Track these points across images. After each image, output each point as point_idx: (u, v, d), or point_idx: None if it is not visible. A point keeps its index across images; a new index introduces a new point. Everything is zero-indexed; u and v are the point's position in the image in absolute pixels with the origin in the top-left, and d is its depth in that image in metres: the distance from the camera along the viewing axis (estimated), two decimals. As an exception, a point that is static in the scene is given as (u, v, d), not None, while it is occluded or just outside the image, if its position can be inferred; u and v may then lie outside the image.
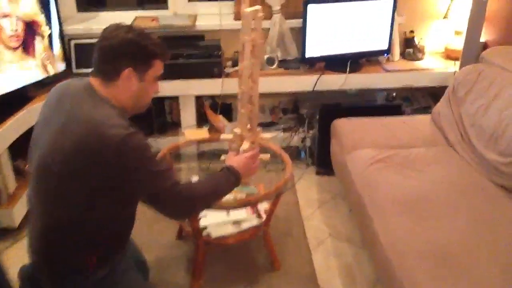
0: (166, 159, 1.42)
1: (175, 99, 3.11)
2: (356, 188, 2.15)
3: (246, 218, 2.18)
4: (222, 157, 1.99)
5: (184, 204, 1.47)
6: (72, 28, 2.97)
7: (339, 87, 2.99)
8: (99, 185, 1.33)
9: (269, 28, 3.06)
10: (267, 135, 1.98)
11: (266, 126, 3.16)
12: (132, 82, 1.41)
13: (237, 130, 1.89)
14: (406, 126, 2.60)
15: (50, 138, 1.37)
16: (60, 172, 1.33)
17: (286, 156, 2.20)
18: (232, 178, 1.60)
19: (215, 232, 2.10)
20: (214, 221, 2.14)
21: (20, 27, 2.42)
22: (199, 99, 3.15)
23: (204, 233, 2.10)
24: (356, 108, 2.85)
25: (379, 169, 2.17)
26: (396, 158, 2.26)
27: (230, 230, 2.13)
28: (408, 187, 2.02)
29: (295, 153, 3.16)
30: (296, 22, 3.01)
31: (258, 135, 1.93)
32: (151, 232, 2.44)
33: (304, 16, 2.86)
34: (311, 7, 2.83)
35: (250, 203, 2.06)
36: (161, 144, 2.58)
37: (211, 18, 3.08)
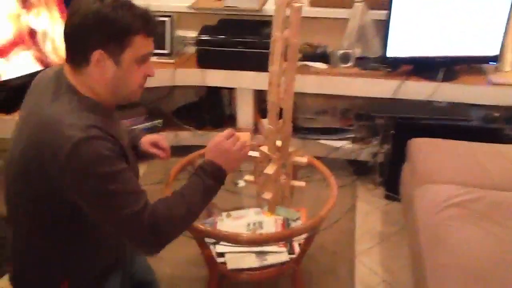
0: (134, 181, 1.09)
1: (234, 90, 2.77)
2: (418, 239, 1.66)
3: (273, 250, 1.79)
4: (246, 177, 1.61)
5: (150, 238, 1.11)
6: (130, 4, 2.73)
7: (425, 98, 2.43)
8: (45, 194, 1.10)
9: (348, 19, 2.57)
10: (301, 159, 1.55)
11: (331, 133, 2.70)
12: (106, 67, 1.11)
13: (264, 149, 1.49)
14: (505, 159, 2.00)
15: (14, 135, 1.17)
16: (13, 174, 1.15)
17: (333, 182, 1.75)
18: (210, 182, 1.22)
19: (232, 263, 1.75)
20: (233, 249, 1.78)
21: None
22: (261, 93, 2.77)
23: (220, 259, 1.75)
24: (442, 127, 2.30)
25: (454, 218, 1.65)
26: (481, 203, 1.71)
27: (252, 262, 1.76)
28: (487, 251, 1.49)
29: (363, 169, 2.67)
30: (382, 14, 2.49)
31: (289, 157, 1.52)
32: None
33: (389, 7, 2.34)
34: (399, -3, 2.30)
35: (270, 239, 1.66)
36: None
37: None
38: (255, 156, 1.53)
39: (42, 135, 1.07)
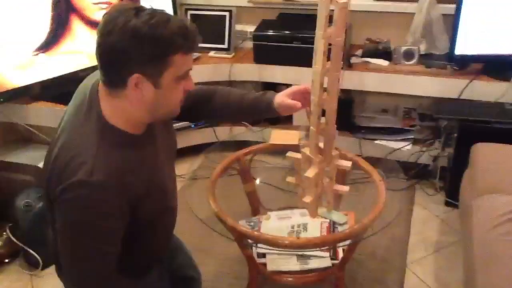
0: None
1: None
2: (472, 253, 1.54)
3: (315, 254, 1.74)
4: (288, 179, 1.57)
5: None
6: (192, -3, 2.76)
7: (495, 99, 2.25)
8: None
9: (413, 14, 2.43)
10: (345, 163, 1.48)
11: (391, 133, 2.58)
12: (145, 90, 1.05)
13: (306, 151, 1.44)
14: None
15: (52, 139, 1.18)
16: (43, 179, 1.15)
17: (381, 188, 1.66)
18: None
19: (273, 265, 1.72)
20: (274, 250, 1.74)
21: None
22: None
23: (261, 260, 1.73)
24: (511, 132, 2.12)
25: (510, 234, 1.51)
26: (548, 219, 1.56)
27: (293, 265, 1.72)
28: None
29: (423, 172, 2.53)
30: (450, 8, 2.32)
31: (332, 160, 1.46)
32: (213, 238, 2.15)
33: (458, 2, 2.18)
34: (469, -10, 2.14)
35: (309, 245, 1.59)
36: (265, 136, 2.25)
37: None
38: (297, 158, 1.48)
39: (59, 160, 1.06)
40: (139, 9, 1.03)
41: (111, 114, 1.09)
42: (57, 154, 1.08)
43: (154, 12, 1.03)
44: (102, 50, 1.03)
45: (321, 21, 1.22)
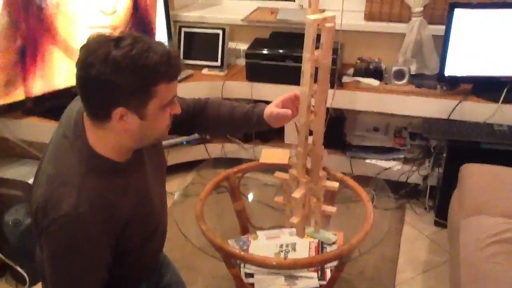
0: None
1: (283, 104, 2.74)
2: (459, 275, 1.54)
3: (303, 275, 1.73)
4: (276, 198, 1.57)
5: None
6: (186, 15, 2.78)
7: (484, 120, 2.27)
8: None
9: (404, 34, 2.46)
10: (332, 184, 1.49)
11: (381, 152, 2.59)
12: (130, 122, 1.04)
13: (293, 171, 1.45)
14: None
15: (41, 159, 1.18)
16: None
17: (369, 209, 1.67)
18: None
19: (260, 284, 1.70)
20: (263, 270, 1.74)
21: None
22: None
23: (249, 280, 1.72)
24: (500, 153, 2.14)
25: (499, 255, 1.51)
26: (535, 241, 1.57)
27: (280, 285, 1.71)
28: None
29: (413, 192, 2.54)
30: (441, 29, 2.35)
31: (320, 181, 1.46)
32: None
33: (448, 23, 2.21)
34: (458, 13, 2.17)
35: (297, 266, 1.59)
36: (257, 153, 2.25)
37: (339, 16, 2.59)
38: (285, 178, 1.49)
39: (45, 190, 1.05)
40: (119, 39, 1.00)
41: (97, 144, 1.08)
42: (43, 182, 1.07)
43: (134, 42, 0.99)
44: (83, 83, 1.01)
45: (308, 44, 1.24)
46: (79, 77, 1.01)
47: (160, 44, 1.04)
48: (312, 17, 1.20)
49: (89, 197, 1.03)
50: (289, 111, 1.35)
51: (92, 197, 1.03)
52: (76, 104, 1.16)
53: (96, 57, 0.97)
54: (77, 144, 1.08)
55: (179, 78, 1.11)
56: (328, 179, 1.51)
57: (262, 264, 1.51)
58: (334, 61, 2.36)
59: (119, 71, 0.97)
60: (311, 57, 1.25)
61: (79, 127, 1.09)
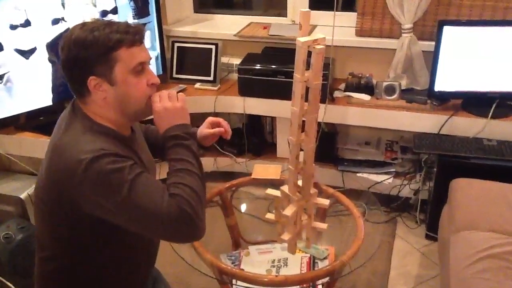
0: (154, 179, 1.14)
1: (276, 118, 2.76)
2: (448, 290, 1.56)
3: (295, 291, 1.74)
4: (268, 215, 1.58)
5: (182, 225, 1.09)
6: (178, 30, 2.80)
7: (473, 135, 2.30)
8: (68, 216, 1.14)
9: (395, 49, 2.50)
10: (323, 201, 1.50)
11: (373, 166, 2.61)
12: (104, 90, 1.14)
13: (284, 189, 1.47)
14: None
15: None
16: (37, 201, 1.21)
17: (360, 224, 1.68)
18: (188, 142, 1.20)
19: (252, 301, 1.71)
20: (254, 286, 1.74)
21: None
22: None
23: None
24: (490, 168, 2.16)
25: (488, 270, 1.53)
26: (522, 257, 1.59)
27: (272, 301, 1.72)
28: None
29: (404, 205, 2.56)
30: (431, 45, 2.38)
31: (311, 198, 1.48)
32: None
33: (437, 40, 2.24)
34: (447, 30, 2.20)
35: (287, 283, 1.59)
36: (249, 167, 2.27)
37: (330, 31, 2.63)
38: (276, 196, 1.51)
39: (57, 162, 1.11)
40: (85, 23, 1.14)
41: (94, 116, 1.17)
42: (51, 160, 1.13)
43: (96, 21, 1.14)
44: (62, 65, 1.15)
45: (298, 66, 1.26)
46: (61, 61, 1.15)
47: (123, 21, 1.16)
48: (302, 39, 1.22)
49: (103, 149, 1.09)
50: (216, 130, 1.49)
51: (104, 149, 1.09)
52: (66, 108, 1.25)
53: (66, 41, 1.12)
54: (77, 119, 1.17)
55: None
56: (319, 194, 1.53)
57: (254, 281, 1.52)
58: (325, 77, 2.40)
59: (83, 46, 1.10)
60: (302, 78, 1.27)
61: (76, 108, 1.19)
